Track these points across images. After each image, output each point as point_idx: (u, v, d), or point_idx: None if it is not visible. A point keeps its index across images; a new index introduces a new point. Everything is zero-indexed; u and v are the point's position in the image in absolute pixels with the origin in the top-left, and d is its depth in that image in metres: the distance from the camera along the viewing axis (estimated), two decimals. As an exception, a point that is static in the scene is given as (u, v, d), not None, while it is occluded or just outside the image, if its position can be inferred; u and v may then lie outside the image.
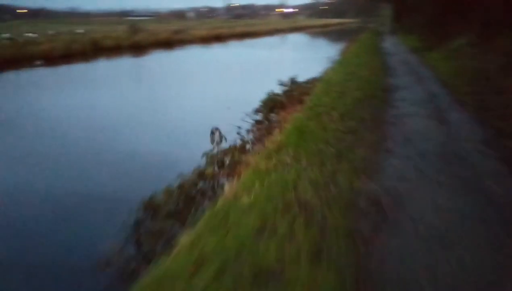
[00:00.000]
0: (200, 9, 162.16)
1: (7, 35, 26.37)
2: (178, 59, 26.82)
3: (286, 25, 77.45)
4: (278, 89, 10.35)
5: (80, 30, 30.89)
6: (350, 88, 8.43)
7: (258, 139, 6.89)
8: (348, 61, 13.49)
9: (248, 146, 6.43)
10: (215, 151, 5.65)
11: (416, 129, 5.55)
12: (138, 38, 32.93)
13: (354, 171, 3.85)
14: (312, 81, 10.67)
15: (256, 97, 9.52)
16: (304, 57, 23.52)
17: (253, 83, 14.87)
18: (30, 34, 26.64)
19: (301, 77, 11.70)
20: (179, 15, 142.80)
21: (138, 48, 30.66)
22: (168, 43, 34.92)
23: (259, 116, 8.96)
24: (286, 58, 25.96)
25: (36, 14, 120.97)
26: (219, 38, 44.32)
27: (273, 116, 8.47)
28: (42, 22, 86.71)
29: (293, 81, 10.20)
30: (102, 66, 23.08)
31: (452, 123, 5.85)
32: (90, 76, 18.63)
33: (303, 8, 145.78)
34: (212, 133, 5.77)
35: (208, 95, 13.15)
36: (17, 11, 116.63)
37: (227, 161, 5.41)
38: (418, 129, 5.55)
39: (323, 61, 16.65)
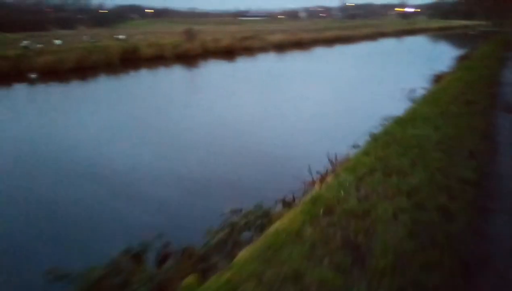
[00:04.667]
0: (314, 9, 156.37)
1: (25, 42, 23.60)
2: (210, 77, 20.87)
3: (400, 26, 67.20)
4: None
5: (122, 36, 27.08)
6: None
7: None
8: (409, 141, 5.58)
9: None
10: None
11: None
12: (192, 46, 28.10)
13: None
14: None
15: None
16: (369, 91, 15.62)
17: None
18: (57, 41, 23.35)
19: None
20: (291, 15, 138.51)
21: (187, 58, 25.80)
22: (230, 52, 29.51)
23: None
24: (347, 89, 18.11)
25: (160, 14, 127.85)
26: (299, 44, 37.41)
27: None
28: (163, 22, 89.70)
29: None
30: (109, 85, 18.36)
31: None
32: (69, 100, 13.87)
33: (425, 8, 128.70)
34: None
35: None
36: (146, 10, 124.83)
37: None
38: None
39: (391, 106, 9.03)
